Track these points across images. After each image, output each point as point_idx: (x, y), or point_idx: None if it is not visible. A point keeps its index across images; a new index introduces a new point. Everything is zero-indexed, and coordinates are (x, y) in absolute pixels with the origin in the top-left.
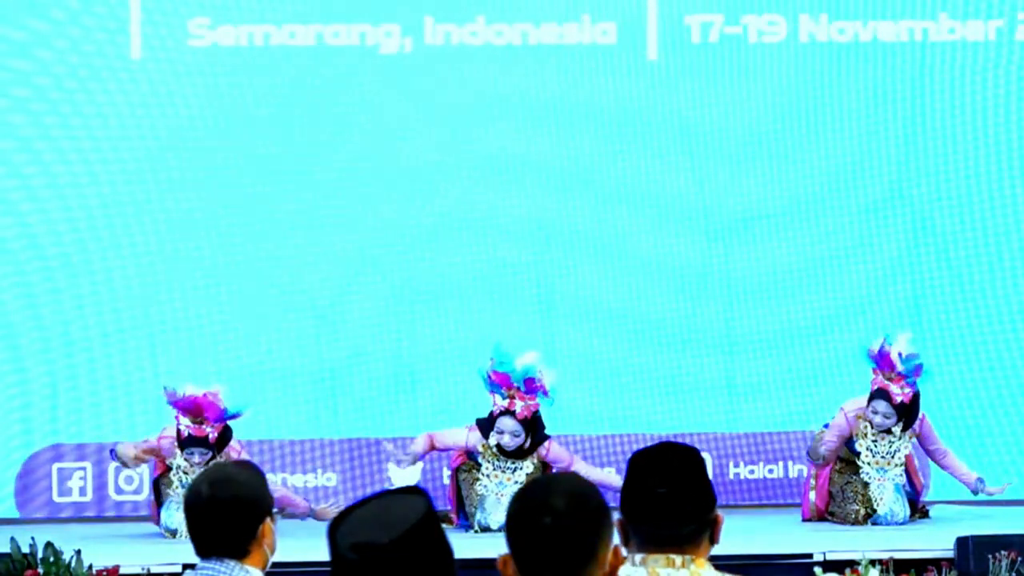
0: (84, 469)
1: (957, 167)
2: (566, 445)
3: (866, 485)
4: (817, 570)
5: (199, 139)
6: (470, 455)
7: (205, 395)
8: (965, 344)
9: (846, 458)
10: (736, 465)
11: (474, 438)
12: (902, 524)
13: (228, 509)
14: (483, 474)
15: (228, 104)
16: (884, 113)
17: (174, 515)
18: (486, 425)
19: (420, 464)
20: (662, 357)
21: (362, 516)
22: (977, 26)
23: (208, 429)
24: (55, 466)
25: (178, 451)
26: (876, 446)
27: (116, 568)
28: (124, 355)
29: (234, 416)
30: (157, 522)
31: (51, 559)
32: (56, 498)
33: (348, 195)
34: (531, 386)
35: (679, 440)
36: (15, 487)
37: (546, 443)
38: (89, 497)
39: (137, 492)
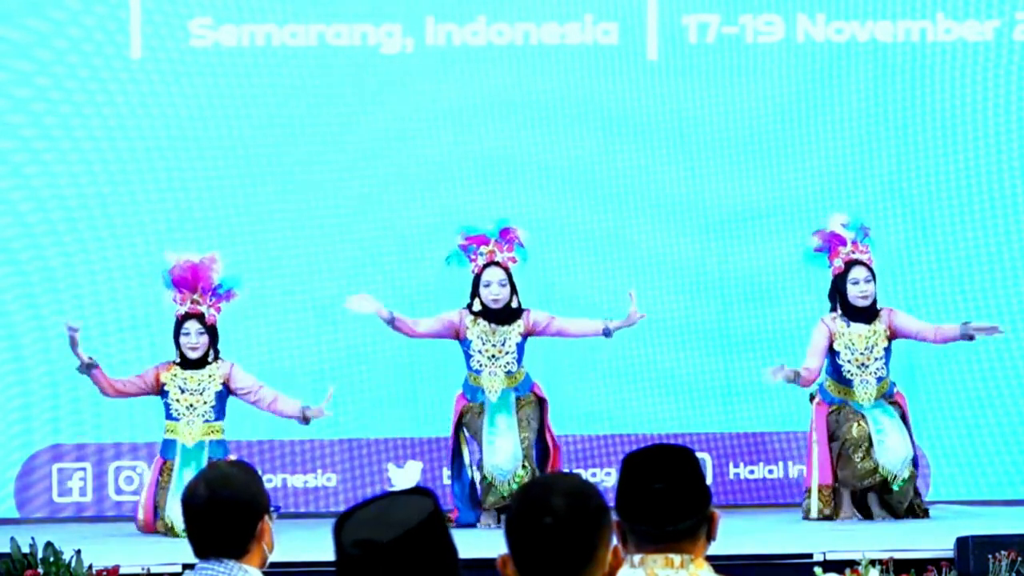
0: (84, 469)
1: (956, 167)
2: (565, 445)
3: (868, 440)
4: (817, 570)
5: (199, 139)
6: (460, 340)
7: (201, 260)
8: (964, 344)
9: (837, 391)
10: (736, 465)
11: (464, 316)
12: (911, 464)
13: (226, 508)
14: (474, 350)
15: (229, 104)
16: (881, 113)
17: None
18: (471, 294)
19: (420, 464)
20: (662, 357)
21: (367, 514)
22: (974, 26)
23: (203, 308)
24: (55, 466)
25: (177, 368)
26: (854, 344)
27: (116, 568)
28: (124, 355)
29: (228, 291)
30: (153, 530)
31: (51, 559)
32: (56, 498)
33: (349, 195)
34: (507, 235)
35: (678, 440)
36: (15, 487)
37: (524, 313)
38: (89, 497)
39: (137, 492)
